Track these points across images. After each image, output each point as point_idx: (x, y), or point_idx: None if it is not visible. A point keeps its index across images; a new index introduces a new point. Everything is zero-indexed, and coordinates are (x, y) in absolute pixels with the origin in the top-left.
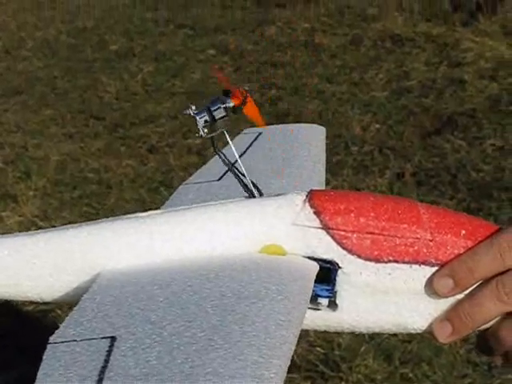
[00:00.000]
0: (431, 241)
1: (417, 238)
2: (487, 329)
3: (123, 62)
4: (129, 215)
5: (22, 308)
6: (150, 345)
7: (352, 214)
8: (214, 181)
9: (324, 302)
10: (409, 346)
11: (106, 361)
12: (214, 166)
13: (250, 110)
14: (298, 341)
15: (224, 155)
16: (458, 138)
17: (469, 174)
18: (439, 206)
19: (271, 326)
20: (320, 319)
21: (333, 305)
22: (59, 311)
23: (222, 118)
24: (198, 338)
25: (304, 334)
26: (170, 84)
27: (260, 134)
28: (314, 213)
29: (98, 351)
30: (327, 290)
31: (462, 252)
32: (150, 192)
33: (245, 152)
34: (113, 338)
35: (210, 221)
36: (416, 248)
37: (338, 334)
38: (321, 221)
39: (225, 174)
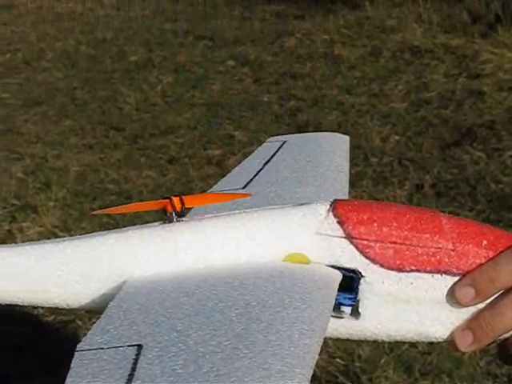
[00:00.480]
0: (453, 250)
1: (439, 248)
2: (508, 338)
3: (143, 72)
4: (155, 223)
5: (41, 319)
6: (176, 353)
7: (375, 224)
8: (238, 189)
9: (347, 310)
10: (429, 357)
11: (133, 369)
12: (239, 174)
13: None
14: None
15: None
16: (477, 150)
17: (488, 186)
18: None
19: (295, 335)
20: (343, 327)
21: (355, 313)
22: (79, 322)
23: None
24: (223, 347)
25: (324, 345)
26: (190, 95)
27: (284, 142)
28: (338, 222)
29: (125, 359)
30: (350, 298)
31: (483, 262)
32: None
33: (269, 161)
34: (139, 346)
35: (235, 229)
36: (438, 257)
37: (358, 345)
38: (344, 230)
39: (249, 182)
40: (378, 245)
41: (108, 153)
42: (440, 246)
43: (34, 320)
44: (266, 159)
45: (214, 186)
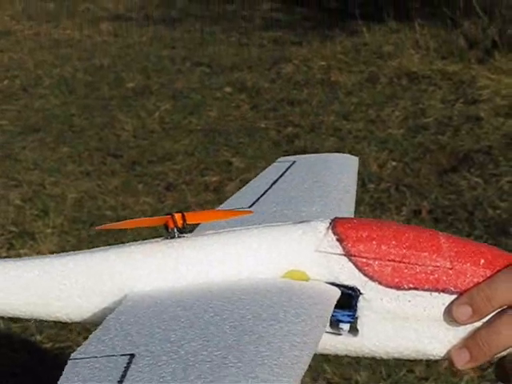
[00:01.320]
0: (451, 269)
1: (437, 266)
2: (505, 356)
3: (140, 99)
4: (157, 239)
5: (39, 346)
6: (167, 362)
7: (374, 242)
8: (245, 208)
9: (345, 327)
10: (426, 383)
11: (123, 376)
12: (246, 193)
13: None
14: (316, 378)
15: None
16: (475, 176)
17: (485, 211)
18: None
19: (285, 347)
20: (341, 344)
21: (354, 330)
22: (77, 347)
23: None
24: (213, 357)
25: (321, 371)
26: (187, 121)
27: (294, 162)
28: (337, 240)
29: (116, 367)
30: (349, 315)
31: (480, 281)
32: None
33: (277, 180)
34: (132, 355)
35: (236, 246)
36: (436, 276)
37: (356, 370)
38: (343, 248)
39: (256, 201)
40: (376, 262)
41: (105, 179)
42: (438, 264)
43: (31, 347)
44: (274, 179)
45: (221, 206)
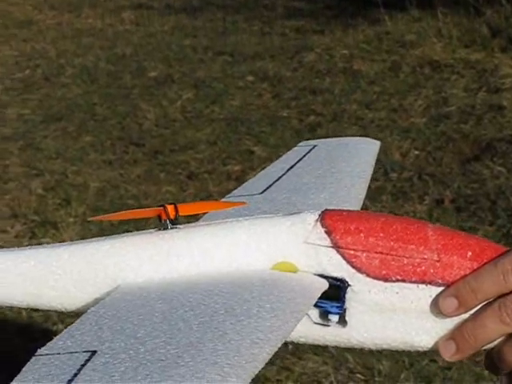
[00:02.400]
0: (438, 261)
1: (424, 259)
2: (493, 348)
3: (162, 88)
4: (150, 230)
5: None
6: (123, 360)
7: (362, 234)
8: (256, 194)
9: (334, 318)
10: (449, 372)
11: (75, 375)
12: (261, 178)
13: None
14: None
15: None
16: (497, 164)
17: (508, 200)
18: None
19: (245, 344)
20: (330, 335)
21: (342, 321)
22: None
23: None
24: (168, 355)
25: (344, 361)
26: (209, 110)
27: (314, 147)
28: (326, 232)
29: (73, 365)
30: (337, 307)
31: (467, 273)
32: (189, 218)
33: (294, 165)
34: (93, 352)
35: (226, 238)
36: (423, 268)
37: (378, 360)
38: (331, 240)
39: (268, 187)
40: (364, 254)
41: (128, 168)
42: (425, 256)
43: (53, 336)
44: (291, 164)
45: (234, 191)
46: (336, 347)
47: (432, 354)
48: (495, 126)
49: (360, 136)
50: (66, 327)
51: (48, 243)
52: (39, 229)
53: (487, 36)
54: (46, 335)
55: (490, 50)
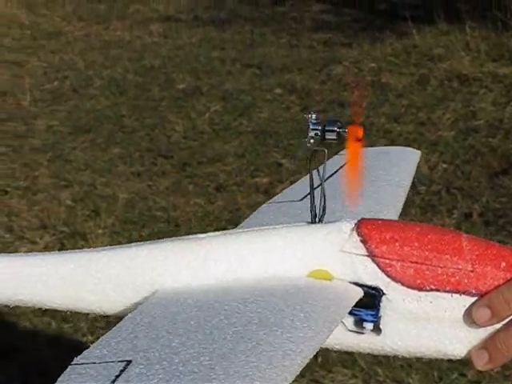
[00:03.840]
0: (472, 271)
1: (458, 269)
2: None
3: (190, 100)
4: (189, 236)
5: None
6: (156, 371)
7: (397, 244)
8: (295, 201)
9: (369, 326)
10: None
11: None
12: (300, 186)
13: (354, 149)
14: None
15: (318, 173)
16: None
17: None
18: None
19: (278, 356)
20: (364, 343)
21: (377, 329)
22: None
23: (331, 140)
24: (201, 367)
25: (373, 374)
26: (237, 123)
27: None
28: (361, 241)
29: (108, 375)
30: (372, 315)
31: (501, 283)
32: (218, 230)
33: (334, 173)
34: (128, 362)
35: (263, 244)
36: (457, 278)
37: (408, 374)
38: (367, 249)
39: (307, 195)
40: (399, 264)
41: (156, 180)
42: (460, 266)
43: (83, 348)
44: (332, 172)
45: (274, 197)
46: (366, 360)
47: (462, 367)
48: None
49: None
50: (96, 338)
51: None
52: (68, 240)
53: None
54: (76, 346)
55: None
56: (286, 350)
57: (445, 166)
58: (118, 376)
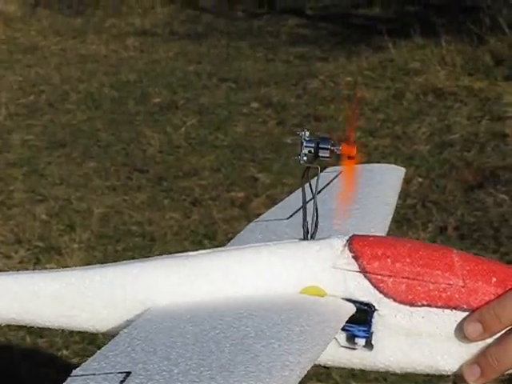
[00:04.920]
0: (463, 287)
1: (449, 284)
2: None
3: (166, 114)
4: (180, 254)
5: (66, 361)
6: (157, 381)
7: (388, 260)
8: (282, 219)
9: (361, 342)
10: None
11: None
12: (287, 204)
13: (348, 168)
14: None
15: (311, 189)
16: (501, 192)
17: (511, 228)
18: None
19: (276, 367)
20: (356, 358)
21: (369, 345)
22: None
23: (324, 158)
24: (201, 377)
25: None
26: (213, 137)
27: (340, 173)
28: (353, 257)
29: None
30: (364, 330)
31: (492, 298)
32: (194, 245)
33: (321, 190)
34: (128, 374)
35: (255, 261)
36: (449, 293)
37: None
38: (359, 265)
39: (295, 213)
40: (391, 279)
41: (132, 195)
42: (451, 282)
43: (58, 362)
44: (318, 190)
45: (262, 215)
46: (340, 374)
47: (437, 380)
48: (498, 154)
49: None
50: (71, 353)
51: (52, 269)
52: (43, 254)
53: (490, 64)
54: (52, 360)
55: (493, 78)
56: (285, 361)
57: (420, 179)
58: None
